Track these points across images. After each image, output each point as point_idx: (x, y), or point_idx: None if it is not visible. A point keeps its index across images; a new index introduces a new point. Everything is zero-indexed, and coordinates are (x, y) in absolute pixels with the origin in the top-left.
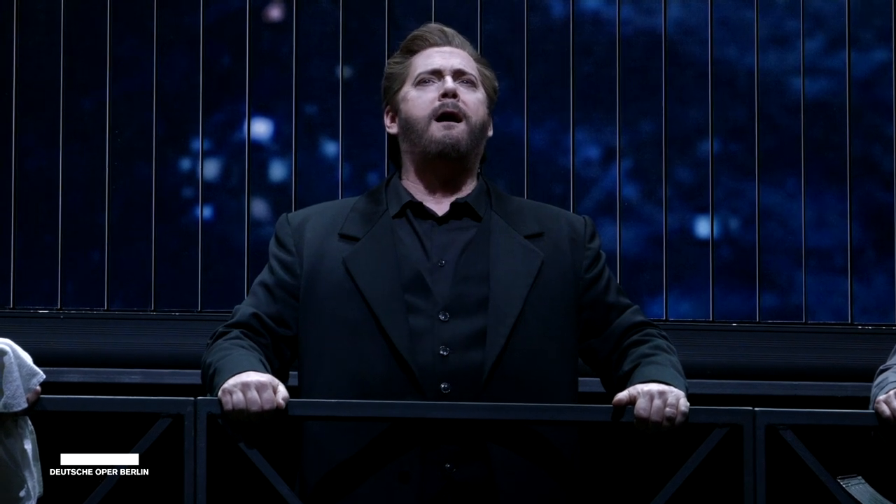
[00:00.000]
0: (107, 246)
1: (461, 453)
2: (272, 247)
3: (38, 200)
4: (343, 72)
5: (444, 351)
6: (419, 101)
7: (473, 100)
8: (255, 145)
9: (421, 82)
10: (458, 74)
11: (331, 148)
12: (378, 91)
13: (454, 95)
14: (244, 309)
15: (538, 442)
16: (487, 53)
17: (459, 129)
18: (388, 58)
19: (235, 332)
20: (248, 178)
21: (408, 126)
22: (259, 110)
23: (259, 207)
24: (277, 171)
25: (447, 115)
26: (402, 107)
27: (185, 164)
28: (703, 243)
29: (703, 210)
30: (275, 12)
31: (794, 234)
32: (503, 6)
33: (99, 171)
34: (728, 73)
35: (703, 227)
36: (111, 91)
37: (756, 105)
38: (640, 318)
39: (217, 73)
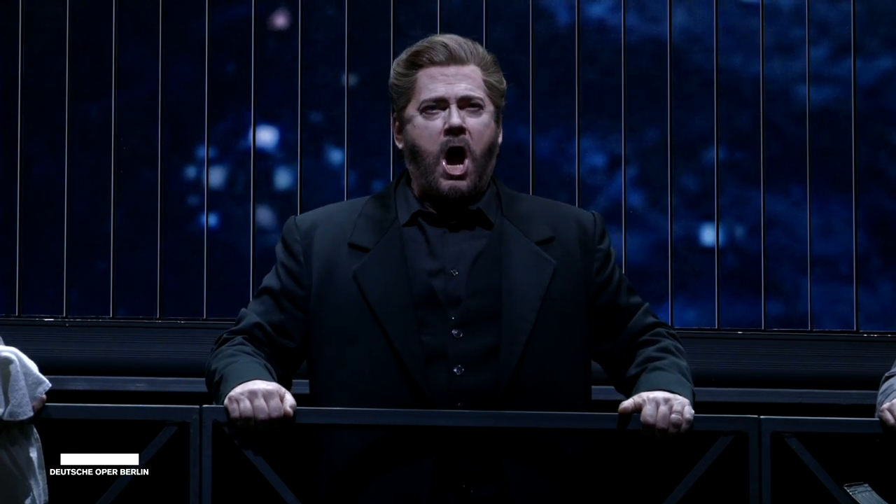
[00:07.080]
0: (112, 254)
1: (474, 474)
2: (279, 252)
3: (43, 208)
4: (348, 79)
5: (457, 370)
6: (425, 132)
7: (479, 126)
8: (261, 153)
9: (426, 109)
10: (463, 102)
11: (336, 155)
12: (383, 98)
13: (460, 131)
14: (249, 317)
15: (552, 462)
16: None
17: (466, 175)
18: (394, 61)
19: (239, 338)
20: (254, 186)
21: (414, 153)
22: (264, 118)
23: (264, 215)
24: (283, 178)
25: (454, 151)
26: (408, 129)
27: (191, 171)
28: (708, 251)
29: (708, 218)
30: (280, 20)
31: (799, 242)
32: (509, 14)
33: (104, 179)
34: (733, 80)
35: (709, 235)
36: (117, 99)
37: (761, 113)
38: (651, 318)
39: (222, 80)
